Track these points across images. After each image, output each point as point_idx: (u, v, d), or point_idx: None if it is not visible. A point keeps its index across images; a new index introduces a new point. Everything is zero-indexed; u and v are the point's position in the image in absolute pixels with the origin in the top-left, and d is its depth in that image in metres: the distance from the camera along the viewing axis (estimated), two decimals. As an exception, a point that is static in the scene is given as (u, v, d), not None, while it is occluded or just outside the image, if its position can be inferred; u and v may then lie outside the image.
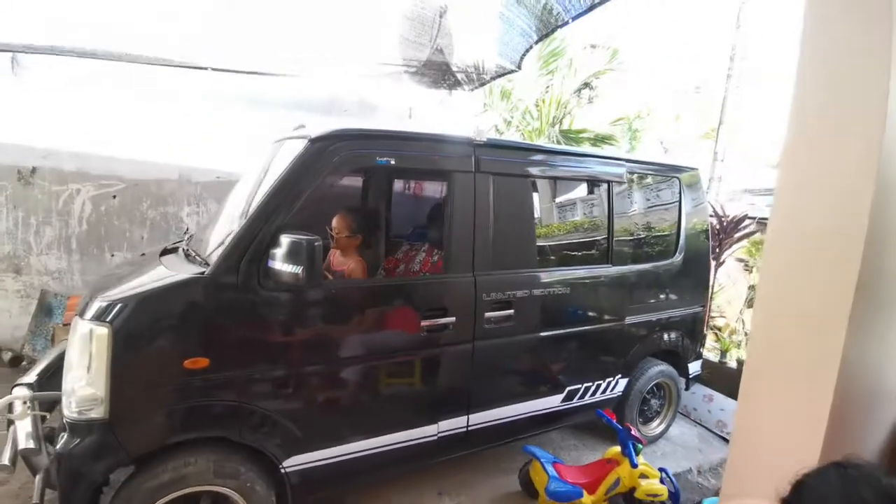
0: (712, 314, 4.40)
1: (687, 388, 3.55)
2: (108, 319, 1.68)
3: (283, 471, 2.02)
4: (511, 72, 4.98)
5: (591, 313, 2.85)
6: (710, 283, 3.75)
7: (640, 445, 2.52)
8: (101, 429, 1.70)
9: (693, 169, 3.41)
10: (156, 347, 1.75)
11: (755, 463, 1.71)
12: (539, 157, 2.74)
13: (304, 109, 4.75)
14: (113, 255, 4.38)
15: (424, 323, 2.23)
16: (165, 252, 2.38)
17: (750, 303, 4.98)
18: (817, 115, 1.57)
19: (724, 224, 4.29)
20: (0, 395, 1.94)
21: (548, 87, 6.40)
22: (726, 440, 3.50)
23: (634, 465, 2.42)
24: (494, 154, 2.44)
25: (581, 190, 3.11)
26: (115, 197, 4.34)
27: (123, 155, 4.31)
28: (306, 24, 3.73)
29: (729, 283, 5.03)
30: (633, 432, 2.50)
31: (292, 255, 1.77)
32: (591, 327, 2.86)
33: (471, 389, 2.46)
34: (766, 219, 5.05)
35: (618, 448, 2.55)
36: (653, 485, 2.44)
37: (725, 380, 3.77)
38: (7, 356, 3.98)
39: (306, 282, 1.78)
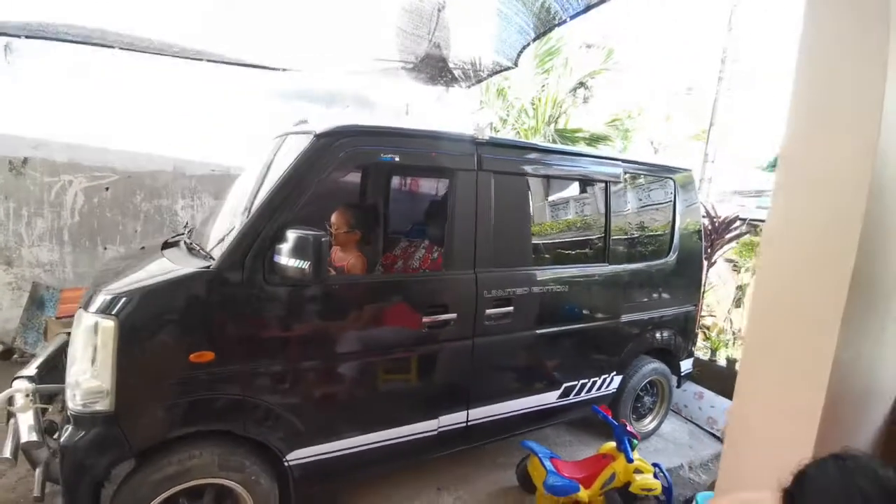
0: (702, 314, 4.48)
1: (679, 386, 3.63)
2: (113, 312, 1.67)
3: (286, 464, 2.03)
4: (508, 69, 4.99)
5: (587, 311, 2.90)
6: (703, 282, 3.82)
7: (635, 441, 2.57)
8: (106, 421, 1.70)
9: (687, 170, 3.46)
10: (161, 341, 1.75)
11: (750, 459, 1.75)
12: (539, 156, 2.76)
13: (306, 100, 4.74)
14: (106, 248, 4.33)
15: (426, 319, 2.25)
16: (167, 245, 2.37)
17: (738, 303, 5.09)
18: (814, 115, 1.60)
19: (716, 225, 4.36)
20: (-3, 388, 1.92)
21: (543, 85, 6.44)
22: (716, 437, 3.57)
23: (630, 461, 2.46)
24: (496, 152, 2.47)
25: (579, 189, 3.15)
26: (107, 189, 4.28)
27: (116, 146, 4.25)
28: (304, 18, 3.71)
29: (719, 283, 5.12)
30: (628, 428, 2.55)
31: (299, 251, 1.78)
32: (587, 325, 2.90)
33: (470, 385, 2.49)
34: (756, 220, 5.14)
35: (612, 443, 2.59)
36: (647, 479, 2.48)
37: (715, 378, 3.87)
38: (-2, 349, 3.93)
39: (313, 277, 1.79)
